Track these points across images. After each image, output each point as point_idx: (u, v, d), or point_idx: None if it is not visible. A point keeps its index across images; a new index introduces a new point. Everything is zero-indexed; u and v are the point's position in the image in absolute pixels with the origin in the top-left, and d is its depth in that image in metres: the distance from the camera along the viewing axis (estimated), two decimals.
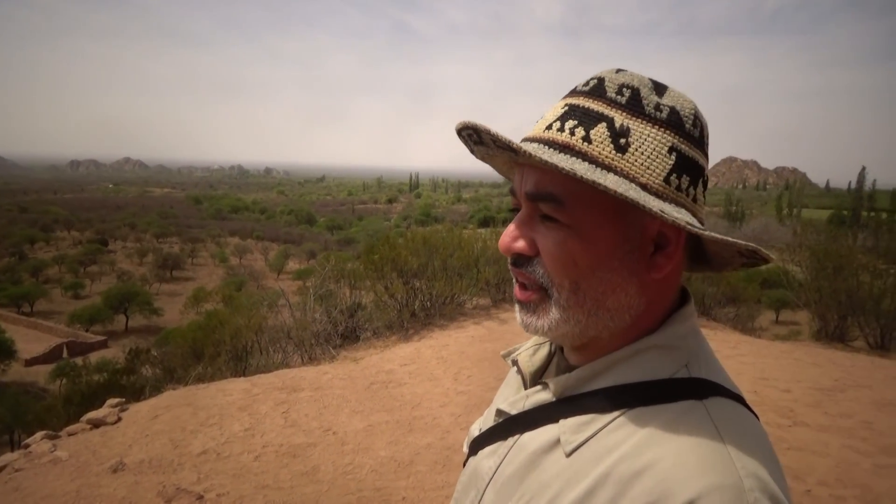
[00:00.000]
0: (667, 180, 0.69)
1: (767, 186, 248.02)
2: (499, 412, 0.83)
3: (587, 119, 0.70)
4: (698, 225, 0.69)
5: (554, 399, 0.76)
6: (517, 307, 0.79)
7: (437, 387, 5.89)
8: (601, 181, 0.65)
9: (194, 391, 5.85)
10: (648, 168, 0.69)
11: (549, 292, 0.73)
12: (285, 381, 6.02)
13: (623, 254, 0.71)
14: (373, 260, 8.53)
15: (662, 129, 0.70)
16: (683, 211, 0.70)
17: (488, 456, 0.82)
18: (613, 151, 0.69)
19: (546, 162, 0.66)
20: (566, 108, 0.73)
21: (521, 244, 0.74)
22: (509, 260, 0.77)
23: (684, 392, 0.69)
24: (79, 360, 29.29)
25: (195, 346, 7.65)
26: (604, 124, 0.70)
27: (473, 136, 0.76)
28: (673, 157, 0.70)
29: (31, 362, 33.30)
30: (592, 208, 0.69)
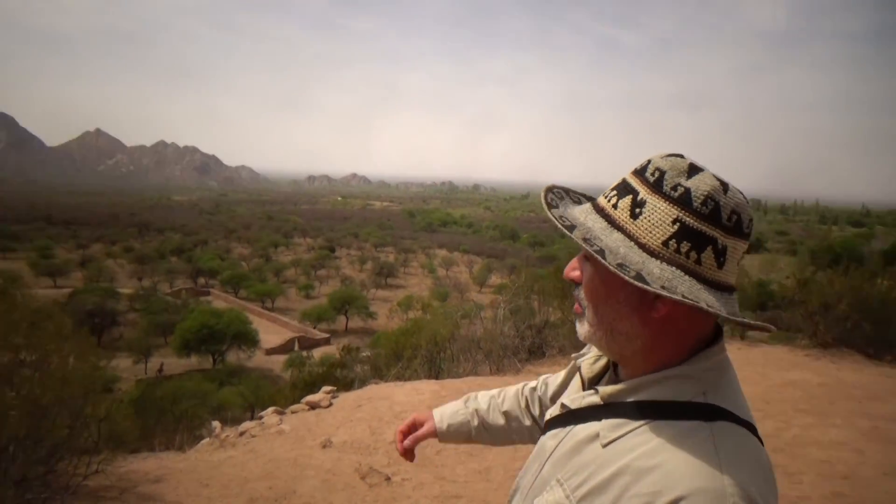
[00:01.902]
0: (665, 243, 0.90)
1: None
2: (562, 405, 1.09)
3: (624, 191, 0.96)
4: (682, 288, 0.88)
5: (601, 402, 1.00)
6: (576, 318, 1.05)
7: None
8: (601, 240, 0.92)
9: (392, 387, 6.60)
10: (650, 232, 0.91)
11: (584, 311, 1.01)
12: (471, 386, 6.51)
13: (626, 294, 0.94)
14: (560, 278, 8.74)
15: (671, 204, 0.90)
16: (674, 269, 0.89)
17: (551, 437, 1.09)
18: (628, 217, 0.93)
19: (560, 230, 0.96)
20: (621, 180, 0.99)
21: (574, 273, 1.03)
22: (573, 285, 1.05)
23: (696, 414, 0.90)
24: (306, 354, 33.30)
25: (396, 348, 8.54)
26: (630, 196, 0.94)
27: (559, 194, 1.07)
28: (675, 226, 0.89)
29: (270, 352, 38.41)
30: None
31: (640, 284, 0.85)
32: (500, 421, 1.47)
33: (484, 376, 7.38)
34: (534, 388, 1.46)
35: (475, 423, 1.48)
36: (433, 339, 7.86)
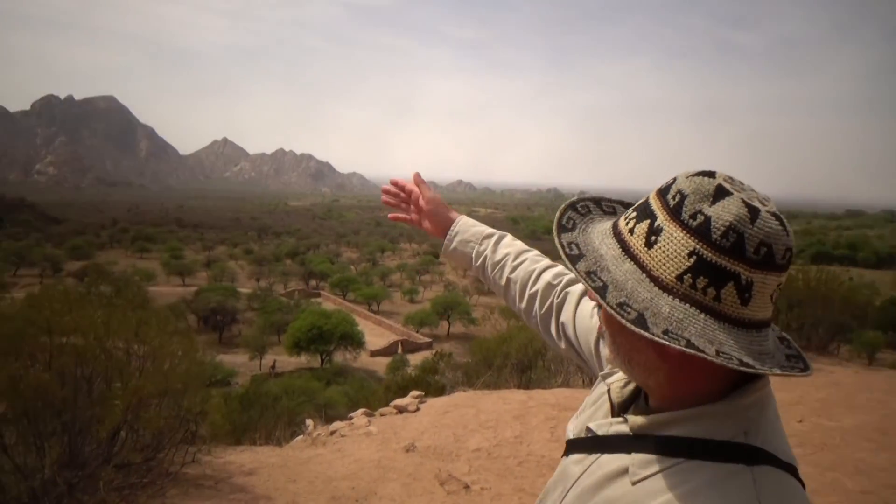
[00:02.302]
0: (679, 278, 0.81)
1: None
2: (588, 429, 1.00)
3: (643, 215, 0.87)
4: (694, 329, 0.80)
5: (630, 434, 0.92)
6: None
7: None
8: (609, 272, 0.86)
9: (480, 395, 6.59)
10: (664, 265, 0.82)
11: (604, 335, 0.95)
12: (559, 398, 6.38)
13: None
14: None
15: (688, 235, 0.81)
16: (687, 306, 0.81)
17: (576, 463, 1.02)
18: (643, 245, 0.85)
19: (564, 260, 0.92)
20: (644, 200, 0.90)
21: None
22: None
23: (736, 455, 0.81)
24: (408, 357, 33.99)
25: (488, 355, 8.53)
26: (648, 221, 0.86)
27: (567, 223, 0.99)
28: (691, 260, 0.80)
29: (374, 353, 39.54)
30: None
31: (637, 330, 0.79)
32: (501, 282, 1.43)
33: (576, 388, 7.21)
34: (551, 284, 1.36)
35: (477, 263, 1.46)
36: (525, 349, 7.78)
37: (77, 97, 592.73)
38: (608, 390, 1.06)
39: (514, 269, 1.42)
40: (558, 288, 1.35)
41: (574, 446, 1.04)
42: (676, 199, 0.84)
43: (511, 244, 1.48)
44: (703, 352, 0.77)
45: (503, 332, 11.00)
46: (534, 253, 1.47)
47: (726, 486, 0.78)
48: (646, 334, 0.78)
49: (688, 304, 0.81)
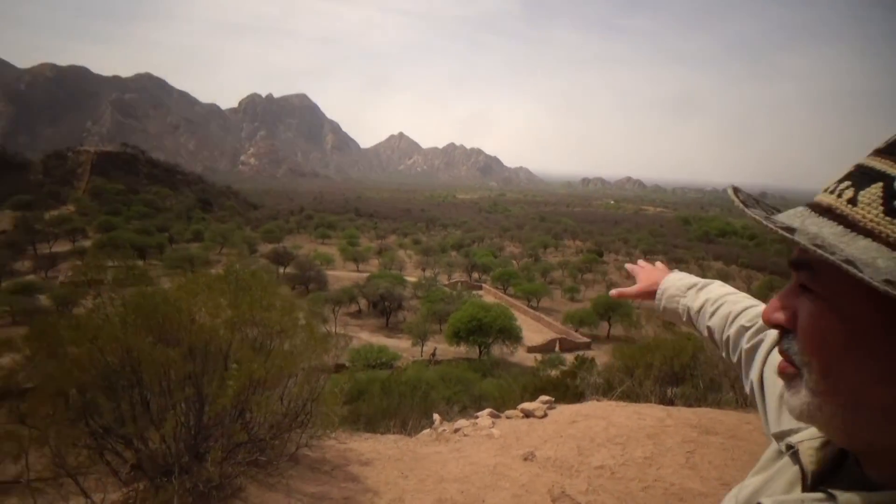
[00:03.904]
0: None
1: None
2: None
3: (863, 179, 0.62)
4: None
5: None
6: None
7: None
8: (841, 249, 0.58)
9: (613, 407, 6.16)
10: None
11: (801, 371, 0.66)
12: (703, 420, 5.77)
13: (892, 336, 0.58)
14: None
15: None
16: None
17: None
18: (881, 214, 0.59)
19: (772, 229, 0.64)
20: (853, 168, 0.65)
21: (778, 315, 0.69)
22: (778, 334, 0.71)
23: None
24: (565, 356, 33.40)
25: (628, 363, 7.98)
26: (880, 184, 0.60)
27: (747, 201, 0.74)
28: None
29: (531, 350, 39.45)
30: (848, 278, 0.57)
31: None
32: (704, 331, 1.27)
33: (725, 409, 6.49)
34: (744, 327, 1.12)
35: (685, 318, 1.32)
36: (670, 360, 7.17)
37: (275, 95, 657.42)
38: (796, 452, 0.74)
39: (713, 314, 1.24)
40: (751, 330, 1.10)
41: None
42: None
43: (713, 290, 1.30)
44: None
45: (650, 340, 10.23)
46: (739, 296, 1.26)
47: None
48: None
49: None
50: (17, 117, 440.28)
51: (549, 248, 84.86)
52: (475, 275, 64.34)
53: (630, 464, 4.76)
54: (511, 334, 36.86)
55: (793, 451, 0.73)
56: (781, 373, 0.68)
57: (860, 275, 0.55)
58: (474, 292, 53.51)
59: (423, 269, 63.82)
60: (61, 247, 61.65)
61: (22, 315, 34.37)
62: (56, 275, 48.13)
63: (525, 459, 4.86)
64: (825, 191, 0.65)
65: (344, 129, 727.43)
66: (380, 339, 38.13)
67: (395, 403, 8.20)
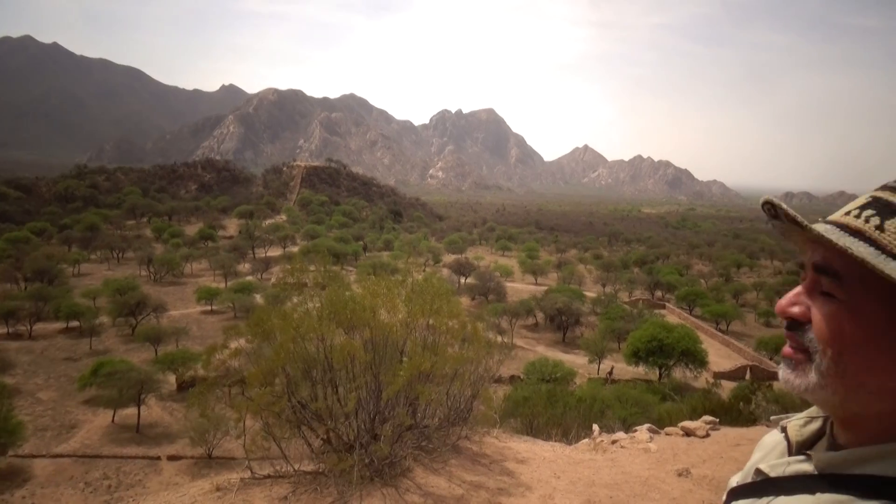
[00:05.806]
0: None
1: None
2: (757, 471, 0.90)
3: (886, 211, 0.76)
4: None
5: (815, 472, 0.81)
6: (781, 363, 0.85)
7: None
8: (883, 267, 0.70)
9: None
10: None
11: (812, 356, 0.79)
12: None
13: (893, 331, 0.73)
14: None
15: None
16: None
17: None
18: None
19: (827, 239, 0.75)
20: (869, 199, 0.79)
21: (796, 309, 0.83)
22: (784, 323, 0.84)
23: None
24: (757, 385, 30.72)
25: None
26: None
27: (771, 211, 0.85)
28: None
29: (718, 375, 36.69)
30: (870, 290, 0.73)
31: None
32: None
33: None
34: None
35: None
36: None
37: (465, 111, 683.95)
38: (784, 429, 0.95)
39: None
40: None
41: (738, 493, 0.93)
42: None
43: None
44: None
45: None
46: None
47: None
48: None
49: None
50: (246, 136, 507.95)
51: (742, 267, 78.28)
52: (658, 293, 61.41)
53: None
54: (695, 358, 34.60)
55: (784, 430, 0.95)
56: (787, 357, 0.83)
57: (882, 270, 0.69)
58: (656, 311, 51.08)
59: (603, 285, 62.34)
60: (274, 252, 69.90)
61: (242, 311, 39.65)
62: (269, 276, 54.52)
63: (679, 475, 4.88)
64: (844, 214, 0.79)
65: (528, 142, 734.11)
66: (555, 354, 37.90)
67: (560, 413, 8.41)
